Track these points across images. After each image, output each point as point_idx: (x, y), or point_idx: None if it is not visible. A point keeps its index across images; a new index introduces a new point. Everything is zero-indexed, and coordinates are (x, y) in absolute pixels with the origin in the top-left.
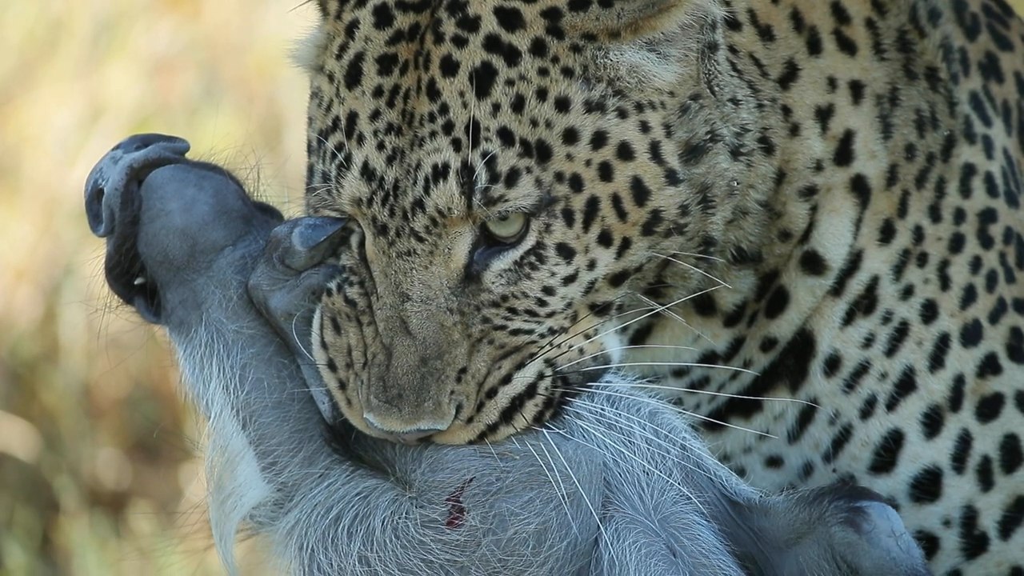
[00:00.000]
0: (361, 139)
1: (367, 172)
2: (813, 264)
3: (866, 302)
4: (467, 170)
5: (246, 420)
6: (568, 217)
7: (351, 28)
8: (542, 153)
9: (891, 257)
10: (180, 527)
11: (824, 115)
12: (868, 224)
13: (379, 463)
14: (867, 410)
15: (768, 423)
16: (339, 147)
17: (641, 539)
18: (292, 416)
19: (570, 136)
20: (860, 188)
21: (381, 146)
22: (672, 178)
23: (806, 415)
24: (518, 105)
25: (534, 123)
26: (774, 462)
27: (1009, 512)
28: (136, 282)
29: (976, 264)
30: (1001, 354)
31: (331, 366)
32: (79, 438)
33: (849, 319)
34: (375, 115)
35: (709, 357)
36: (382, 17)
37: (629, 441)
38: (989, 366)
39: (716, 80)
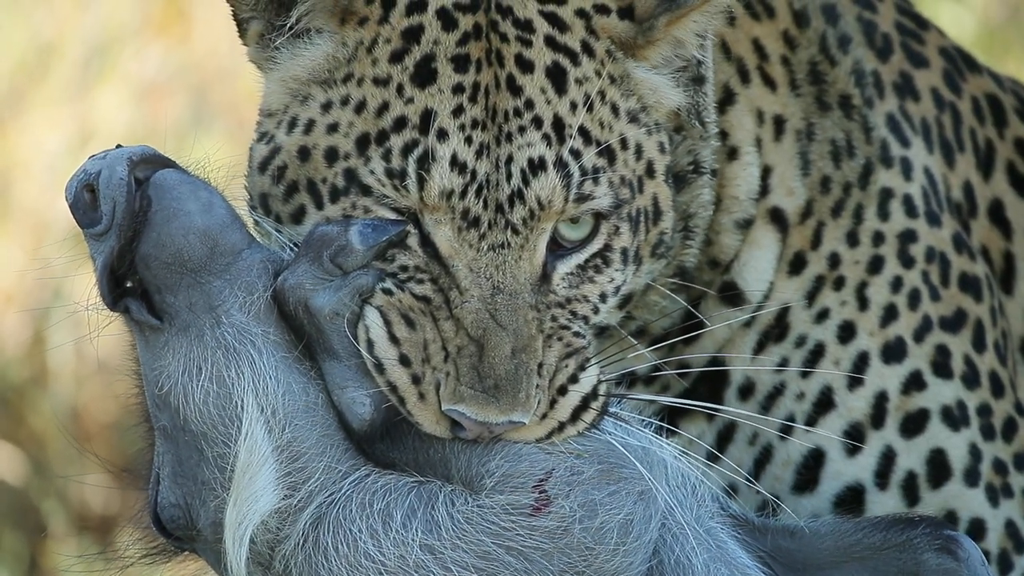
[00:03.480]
0: (444, 134)
1: (457, 164)
2: (731, 296)
3: (777, 331)
4: (562, 164)
5: (281, 424)
6: (631, 222)
7: (412, 33)
8: (610, 155)
9: (803, 285)
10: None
11: (759, 145)
12: (782, 258)
13: (419, 464)
14: (786, 430)
15: (684, 446)
16: (412, 144)
17: (700, 545)
18: (319, 421)
19: (623, 142)
20: (779, 221)
21: (469, 140)
22: (674, 202)
23: (725, 437)
24: (589, 105)
25: (601, 124)
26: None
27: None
28: (128, 285)
29: (897, 284)
30: (926, 371)
31: (404, 361)
32: (67, 462)
33: (760, 348)
34: (458, 111)
35: (630, 378)
36: (448, 20)
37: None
38: (914, 383)
39: (705, 113)
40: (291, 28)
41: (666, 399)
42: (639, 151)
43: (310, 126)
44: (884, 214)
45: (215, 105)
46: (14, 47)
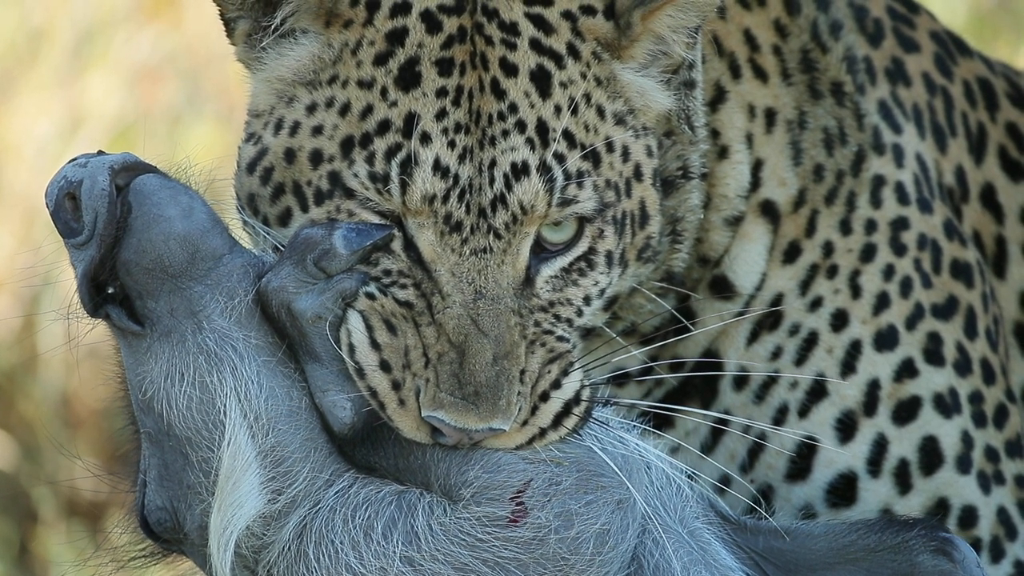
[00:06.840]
0: (427, 138)
1: (440, 169)
2: (722, 289)
3: (771, 320)
4: (545, 168)
5: (264, 429)
6: (616, 225)
7: (396, 35)
8: (595, 158)
9: (797, 274)
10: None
11: (750, 142)
12: (775, 248)
13: (399, 470)
14: (779, 418)
15: (680, 438)
16: (395, 148)
17: (681, 548)
18: (302, 425)
19: (609, 145)
20: (770, 213)
21: (452, 144)
22: (662, 207)
23: (719, 428)
24: (573, 108)
25: (586, 127)
26: (688, 477)
27: (930, 515)
28: (109, 291)
29: (889, 272)
30: (918, 358)
31: (384, 367)
32: (57, 449)
33: (754, 337)
34: (441, 114)
35: (620, 376)
36: (432, 23)
37: (646, 458)
38: (906, 370)
39: (694, 117)
40: (276, 29)
41: (648, 404)
42: (626, 154)
43: (296, 128)
44: (876, 202)
45: (206, 90)
46: (5, 31)
